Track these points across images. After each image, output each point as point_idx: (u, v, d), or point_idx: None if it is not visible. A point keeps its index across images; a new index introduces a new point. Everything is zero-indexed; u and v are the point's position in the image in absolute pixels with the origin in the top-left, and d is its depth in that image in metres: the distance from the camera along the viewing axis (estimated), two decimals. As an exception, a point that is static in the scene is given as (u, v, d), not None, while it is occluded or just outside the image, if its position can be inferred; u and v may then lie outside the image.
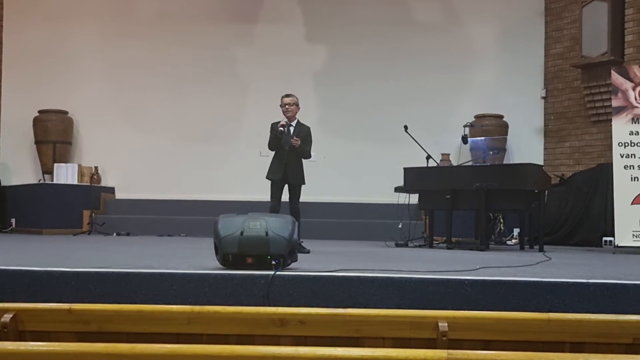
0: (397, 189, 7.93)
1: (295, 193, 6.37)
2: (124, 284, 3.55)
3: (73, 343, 2.77)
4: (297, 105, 6.37)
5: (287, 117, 6.31)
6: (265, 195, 6.41)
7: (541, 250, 6.91)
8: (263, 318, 3.12)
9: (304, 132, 6.37)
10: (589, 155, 9.39)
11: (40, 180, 10.08)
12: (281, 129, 6.16)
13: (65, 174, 9.79)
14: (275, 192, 6.32)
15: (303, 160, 6.43)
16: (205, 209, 9.24)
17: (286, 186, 6.37)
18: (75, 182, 9.80)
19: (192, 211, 9.63)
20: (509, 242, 8.54)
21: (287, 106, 6.31)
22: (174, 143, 10.32)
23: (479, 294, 3.49)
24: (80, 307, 3.17)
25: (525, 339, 3.06)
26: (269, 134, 6.40)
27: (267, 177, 6.39)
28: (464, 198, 7.30)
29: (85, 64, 10.42)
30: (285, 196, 6.38)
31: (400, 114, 9.41)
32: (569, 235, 8.79)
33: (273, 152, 6.40)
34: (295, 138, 6.20)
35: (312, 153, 6.54)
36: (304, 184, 6.43)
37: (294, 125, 6.35)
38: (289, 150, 6.24)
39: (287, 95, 6.39)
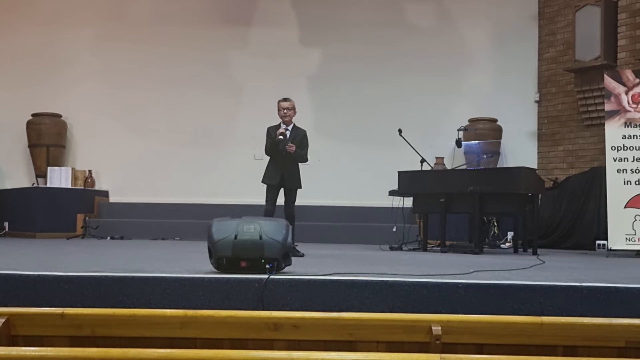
0: (392, 193, 7.94)
1: (291, 197, 6.36)
2: (118, 288, 3.54)
3: (66, 348, 2.76)
4: (294, 109, 6.37)
5: (284, 122, 6.29)
6: (258, 199, 6.41)
7: (535, 253, 6.92)
8: (257, 322, 3.11)
9: (300, 136, 6.36)
10: (582, 158, 9.43)
11: (33, 183, 10.04)
12: (281, 137, 6.14)
13: (59, 178, 9.76)
14: (271, 195, 6.32)
15: (300, 164, 6.44)
16: (199, 213, 9.21)
17: (282, 190, 6.37)
18: (69, 186, 9.77)
19: (186, 214, 9.61)
20: (502, 246, 8.55)
21: (285, 111, 6.29)
22: (168, 146, 10.30)
23: (472, 298, 3.50)
24: (73, 312, 3.16)
25: (519, 343, 3.07)
26: (264, 137, 6.40)
27: (262, 182, 6.38)
28: (458, 201, 7.31)
29: (79, 67, 10.39)
30: (280, 199, 6.38)
31: (394, 118, 9.39)
32: (563, 238, 8.82)
33: (269, 156, 6.41)
34: (290, 144, 6.19)
35: (307, 156, 6.54)
36: (300, 187, 6.43)
37: (290, 129, 6.33)
38: (286, 155, 6.23)
39: (284, 100, 6.35)
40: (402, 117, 9.33)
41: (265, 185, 6.36)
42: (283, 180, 6.30)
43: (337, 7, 10.44)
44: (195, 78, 10.39)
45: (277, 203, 6.35)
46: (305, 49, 10.50)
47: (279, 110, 6.33)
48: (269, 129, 6.39)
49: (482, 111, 9.85)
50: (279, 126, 6.33)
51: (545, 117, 10.04)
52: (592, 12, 8.95)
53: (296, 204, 6.43)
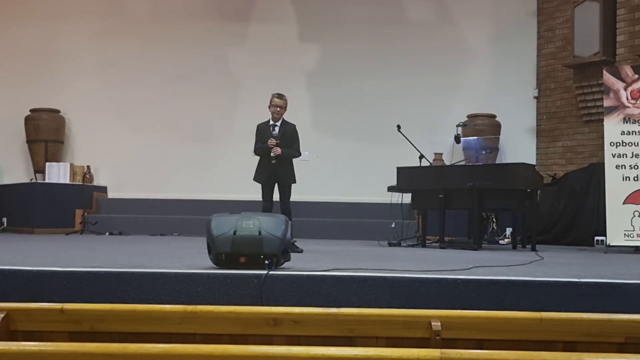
0: (390, 189, 7.94)
1: (285, 192, 6.38)
2: (117, 283, 3.54)
3: (65, 343, 2.75)
4: (286, 107, 6.40)
5: (273, 118, 6.34)
6: (257, 195, 6.41)
7: (533, 249, 6.93)
8: (256, 318, 3.11)
9: (289, 132, 6.38)
10: (581, 154, 9.43)
11: (32, 179, 10.04)
12: (272, 154, 6.16)
13: (57, 173, 9.75)
14: (267, 191, 6.34)
15: (293, 158, 6.45)
16: (198, 208, 9.22)
17: (276, 185, 6.39)
18: (68, 182, 9.77)
19: (184, 210, 9.61)
20: (501, 242, 8.57)
21: (278, 108, 6.32)
22: (167, 142, 10.30)
23: (471, 294, 3.50)
24: (72, 307, 3.16)
25: (518, 338, 3.07)
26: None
27: (254, 179, 6.39)
28: (457, 197, 7.32)
29: (77, 63, 10.38)
30: (276, 195, 6.39)
31: (393, 114, 9.42)
32: (561, 234, 8.82)
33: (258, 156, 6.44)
34: (275, 148, 6.20)
35: (304, 152, 6.54)
36: (294, 182, 6.43)
37: (279, 125, 6.36)
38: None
39: (279, 97, 6.37)
40: (400, 113, 9.35)
41: (260, 182, 6.39)
42: (276, 176, 6.31)
43: (336, 4, 10.42)
44: (194, 74, 10.38)
45: (274, 199, 6.37)
46: (304, 46, 10.49)
47: (271, 105, 6.35)
48: (258, 126, 6.43)
49: (481, 107, 9.85)
50: (268, 122, 6.38)
51: (544, 113, 10.04)
52: (590, 7, 8.94)
53: (295, 200, 6.43)
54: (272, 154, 6.19)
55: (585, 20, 9.00)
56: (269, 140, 6.22)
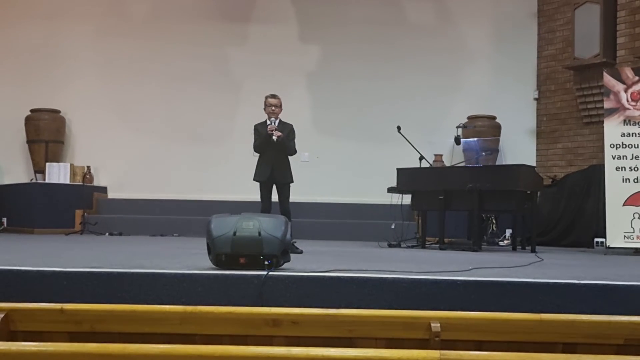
0: (390, 190, 7.94)
1: (284, 192, 6.38)
2: (117, 283, 3.54)
3: (65, 343, 2.76)
4: (281, 106, 6.42)
5: (271, 119, 6.34)
6: (258, 195, 6.41)
7: (533, 251, 6.93)
8: (256, 318, 3.11)
9: (286, 130, 6.40)
10: (581, 156, 9.43)
11: (32, 179, 10.04)
12: (274, 138, 6.16)
13: (58, 174, 9.75)
14: (265, 193, 6.35)
15: (290, 158, 6.46)
16: (198, 209, 9.22)
17: (275, 187, 6.39)
18: (68, 182, 9.77)
19: (184, 211, 9.61)
20: (501, 243, 8.56)
21: (274, 108, 6.33)
22: (167, 142, 10.31)
23: (471, 295, 3.50)
24: (72, 307, 3.16)
25: (518, 340, 3.07)
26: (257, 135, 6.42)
27: (254, 179, 6.39)
28: (457, 199, 7.32)
29: (77, 63, 10.39)
30: (275, 196, 6.40)
31: (393, 115, 9.43)
32: (561, 236, 8.82)
33: (258, 154, 6.43)
34: (277, 131, 6.22)
35: (304, 154, 6.54)
36: (292, 182, 6.44)
37: (276, 124, 6.37)
38: (276, 150, 6.26)
39: (273, 97, 6.38)
40: (401, 114, 9.36)
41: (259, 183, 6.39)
42: (273, 175, 6.32)
43: (337, 4, 10.43)
44: (194, 74, 10.39)
45: (273, 200, 6.38)
46: (304, 46, 10.50)
47: (266, 106, 6.36)
48: (256, 126, 6.43)
49: (481, 108, 9.86)
50: (265, 122, 6.40)
51: (544, 114, 10.05)
52: (591, 9, 8.95)
53: (295, 200, 6.42)
54: (274, 138, 6.18)
55: (585, 22, 9.01)
56: (269, 127, 6.23)
